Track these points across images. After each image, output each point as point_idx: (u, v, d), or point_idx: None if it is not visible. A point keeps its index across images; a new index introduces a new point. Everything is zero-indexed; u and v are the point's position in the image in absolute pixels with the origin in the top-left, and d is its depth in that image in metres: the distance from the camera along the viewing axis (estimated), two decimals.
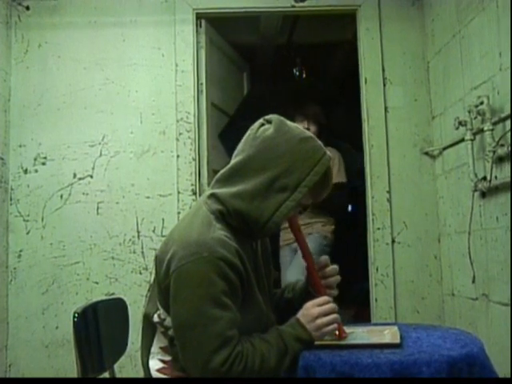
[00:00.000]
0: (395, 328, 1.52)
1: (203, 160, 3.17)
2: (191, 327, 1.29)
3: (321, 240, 3.21)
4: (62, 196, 3.07)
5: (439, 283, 3.04)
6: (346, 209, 3.45)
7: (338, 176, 3.21)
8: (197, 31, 3.20)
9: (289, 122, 1.46)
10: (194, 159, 3.11)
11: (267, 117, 1.47)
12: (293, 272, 2.97)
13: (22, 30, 3.15)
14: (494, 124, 2.27)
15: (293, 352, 1.34)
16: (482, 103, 2.32)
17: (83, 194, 3.07)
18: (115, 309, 1.91)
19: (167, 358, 1.43)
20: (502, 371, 2.01)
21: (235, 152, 1.46)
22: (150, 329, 1.45)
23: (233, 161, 1.44)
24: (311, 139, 1.43)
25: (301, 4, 3.17)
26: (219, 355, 1.26)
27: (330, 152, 3.10)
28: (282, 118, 1.46)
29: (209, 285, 1.28)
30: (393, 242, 3.08)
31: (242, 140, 1.46)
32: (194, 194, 3.08)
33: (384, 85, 3.15)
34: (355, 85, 3.27)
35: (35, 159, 3.08)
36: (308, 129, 3.02)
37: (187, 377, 1.37)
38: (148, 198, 3.08)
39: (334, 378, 1.25)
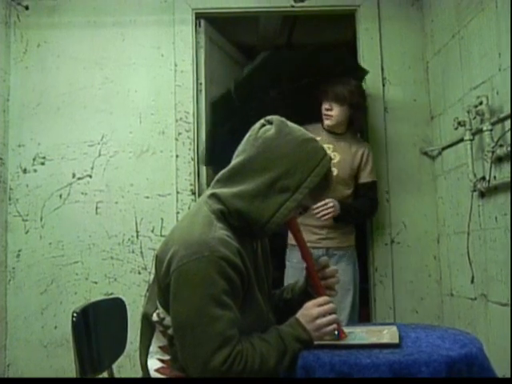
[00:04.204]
0: (394, 328, 1.52)
1: (202, 160, 3.16)
2: (191, 326, 1.29)
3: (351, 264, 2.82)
4: (61, 196, 3.07)
5: (438, 283, 3.04)
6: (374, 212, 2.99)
7: (371, 174, 2.86)
8: (196, 31, 3.20)
9: (290, 123, 1.46)
10: (193, 159, 3.11)
11: (268, 117, 1.47)
12: None
13: (21, 30, 3.15)
14: (493, 124, 2.27)
15: (292, 352, 1.34)
16: (481, 103, 2.32)
17: (82, 193, 3.07)
18: (114, 309, 1.91)
19: (166, 357, 1.43)
20: (500, 371, 2.01)
21: (236, 152, 1.46)
22: (148, 328, 1.45)
23: (234, 161, 1.45)
24: (312, 140, 1.44)
25: (300, 4, 3.17)
26: (219, 355, 1.26)
27: (362, 145, 2.87)
28: (282, 118, 1.46)
29: (210, 284, 1.28)
30: (392, 242, 3.08)
31: (243, 140, 1.47)
32: (193, 193, 3.07)
33: (383, 85, 3.16)
34: None
35: (34, 159, 3.08)
36: (330, 109, 2.75)
37: (186, 376, 1.37)
38: (147, 197, 3.08)
39: (334, 378, 1.25)
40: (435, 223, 3.08)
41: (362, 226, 3.15)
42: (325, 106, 2.78)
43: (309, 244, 2.75)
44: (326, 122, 2.81)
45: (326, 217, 2.65)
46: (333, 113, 2.77)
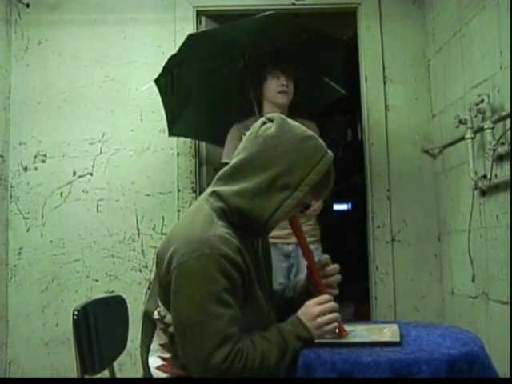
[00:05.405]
0: (395, 326, 1.52)
1: (203, 158, 3.17)
2: (192, 324, 1.29)
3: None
4: (61, 194, 3.07)
5: (439, 282, 3.04)
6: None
7: None
8: (197, 29, 3.20)
9: (290, 121, 1.46)
10: (194, 157, 3.11)
11: (269, 115, 1.47)
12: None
13: (22, 28, 3.15)
14: (495, 122, 2.27)
15: (293, 350, 1.34)
16: (482, 101, 2.32)
17: (83, 191, 3.07)
18: (115, 307, 1.91)
19: (167, 355, 1.43)
20: (501, 370, 2.01)
21: (237, 150, 1.46)
22: (149, 326, 1.45)
23: (234, 159, 1.44)
24: (313, 138, 1.43)
25: (301, 2, 3.17)
26: (220, 352, 1.26)
27: (306, 124, 2.81)
28: (283, 116, 1.46)
29: (210, 282, 1.28)
30: (393, 240, 3.08)
31: (244, 138, 1.47)
32: (194, 191, 3.07)
33: (384, 83, 3.15)
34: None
35: (35, 157, 3.08)
36: (287, 85, 2.66)
37: (187, 374, 1.37)
38: (148, 195, 3.08)
39: (334, 378, 1.24)
40: (436, 221, 3.07)
41: (361, 224, 3.16)
42: (281, 81, 2.66)
43: (279, 240, 2.64)
44: (282, 100, 2.67)
45: (315, 213, 2.61)
46: (289, 89, 2.69)
